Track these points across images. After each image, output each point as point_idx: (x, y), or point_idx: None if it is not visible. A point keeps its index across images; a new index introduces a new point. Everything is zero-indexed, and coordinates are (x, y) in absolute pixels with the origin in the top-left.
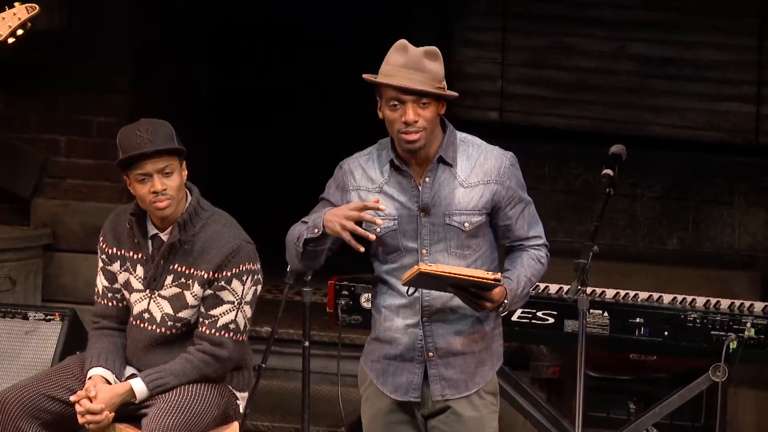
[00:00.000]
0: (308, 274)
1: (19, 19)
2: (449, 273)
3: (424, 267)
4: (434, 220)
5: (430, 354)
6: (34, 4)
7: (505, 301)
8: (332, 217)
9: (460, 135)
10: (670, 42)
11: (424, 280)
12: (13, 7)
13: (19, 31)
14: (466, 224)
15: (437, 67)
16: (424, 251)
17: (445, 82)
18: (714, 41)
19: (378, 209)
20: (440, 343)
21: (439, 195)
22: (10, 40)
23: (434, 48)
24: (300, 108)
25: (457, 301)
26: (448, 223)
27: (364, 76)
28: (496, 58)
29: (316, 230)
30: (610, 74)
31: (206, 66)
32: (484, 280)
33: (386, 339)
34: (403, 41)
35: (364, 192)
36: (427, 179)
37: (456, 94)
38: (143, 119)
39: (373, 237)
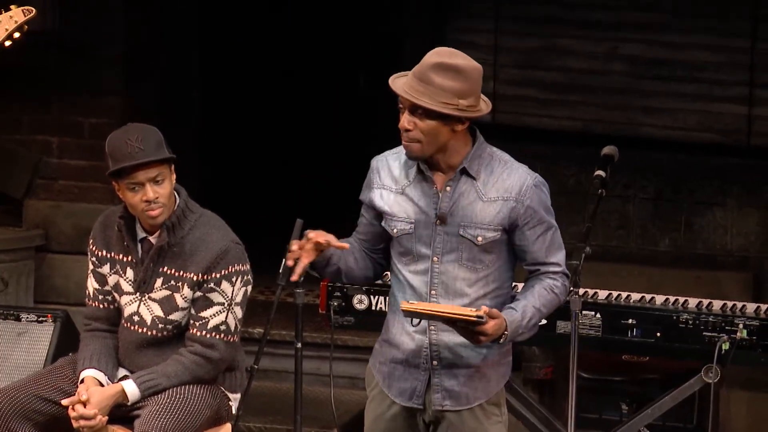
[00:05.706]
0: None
1: (16, 22)
2: (430, 311)
3: (405, 305)
4: (449, 229)
5: (435, 363)
6: (30, 7)
7: (506, 332)
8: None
9: (490, 149)
10: (662, 43)
11: (420, 315)
12: (9, 9)
13: (16, 34)
14: (480, 238)
15: (448, 82)
16: (435, 259)
17: (465, 101)
18: (706, 42)
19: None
20: (445, 353)
21: (458, 206)
22: (7, 43)
23: (456, 63)
24: (292, 108)
25: None
26: (462, 234)
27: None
28: (487, 59)
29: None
30: (602, 75)
31: (199, 68)
32: (466, 317)
33: (395, 342)
34: (438, 50)
35: (386, 192)
36: (448, 188)
37: (463, 114)
38: (131, 125)
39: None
